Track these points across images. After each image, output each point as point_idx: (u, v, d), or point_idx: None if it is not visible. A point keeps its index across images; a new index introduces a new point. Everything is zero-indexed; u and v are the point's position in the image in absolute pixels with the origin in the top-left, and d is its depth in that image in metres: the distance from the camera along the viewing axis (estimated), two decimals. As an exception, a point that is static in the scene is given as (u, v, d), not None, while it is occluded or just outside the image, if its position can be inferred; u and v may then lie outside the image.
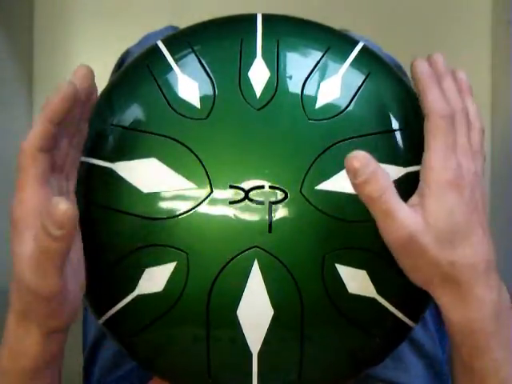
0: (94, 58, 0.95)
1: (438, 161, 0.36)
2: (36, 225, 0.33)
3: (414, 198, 0.37)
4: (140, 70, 0.41)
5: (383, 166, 0.37)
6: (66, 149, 0.37)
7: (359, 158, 0.34)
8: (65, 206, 0.31)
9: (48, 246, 0.32)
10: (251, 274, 0.36)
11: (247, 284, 0.36)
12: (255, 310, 0.36)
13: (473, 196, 0.36)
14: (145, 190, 0.37)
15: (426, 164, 0.36)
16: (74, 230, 0.32)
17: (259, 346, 0.37)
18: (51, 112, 0.34)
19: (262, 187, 0.36)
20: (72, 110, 0.35)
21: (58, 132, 0.35)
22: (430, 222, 0.35)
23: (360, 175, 0.34)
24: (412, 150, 0.39)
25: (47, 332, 0.37)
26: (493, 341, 0.36)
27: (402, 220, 0.35)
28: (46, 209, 0.32)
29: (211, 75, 0.39)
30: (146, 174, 0.37)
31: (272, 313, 0.36)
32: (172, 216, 0.36)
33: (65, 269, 0.34)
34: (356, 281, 0.37)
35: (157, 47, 0.42)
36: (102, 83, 0.44)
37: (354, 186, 0.35)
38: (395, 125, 0.39)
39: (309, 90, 0.39)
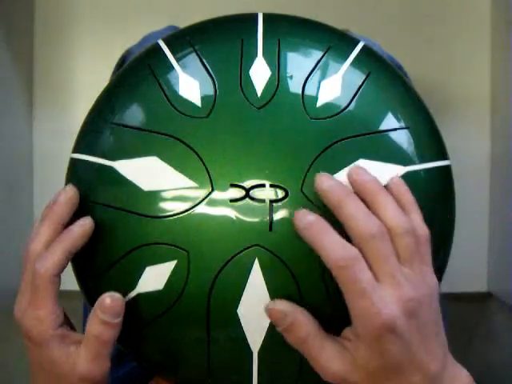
0: (94, 58, 0.95)
1: (361, 309, 0.34)
2: (55, 336, 0.38)
3: (348, 332, 0.36)
4: (141, 69, 0.41)
5: (383, 165, 0.38)
6: None
7: (277, 309, 0.35)
8: (119, 297, 0.37)
9: (107, 335, 0.37)
10: (252, 273, 0.36)
11: (248, 282, 0.36)
12: (256, 309, 0.36)
13: (416, 327, 0.34)
14: (146, 188, 0.37)
15: (350, 312, 0.34)
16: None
17: (259, 345, 0.37)
18: (74, 245, 0.38)
19: (263, 186, 0.36)
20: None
21: None
22: (360, 363, 0.34)
23: (280, 325, 0.35)
24: (412, 149, 0.39)
25: None
26: None
27: (326, 364, 0.35)
28: (98, 305, 0.37)
29: (212, 74, 0.39)
30: (146, 173, 0.37)
31: None
32: (173, 214, 0.36)
33: None
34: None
35: (158, 46, 0.42)
36: (102, 83, 0.44)
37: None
38: (395, 124, 0.39)
39: (309, 89, 0.39)
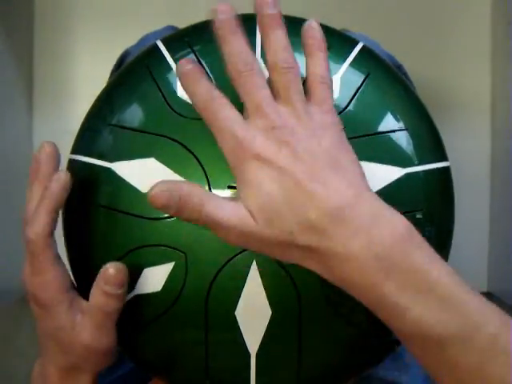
0: (94, 58, 0.95)
1: (225, 144, 0.33)
2: (63, 301, 0.37)
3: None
4: (139, 70, 0.41)
5: (382, 166, 0.38)
6: None
7: (158, 192, 0.32)
8: (122, 268, 0.36)
9: (110, 306, 0.37)
10: (249, 275, 0.36)
11: (245, 284, 0.36)
12: (253, 311, 0.36)
13: (291, 156, 0.32)
14: (143, 189, 0.37)
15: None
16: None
17: (257, 347, 0.37)
18: (55, 202, 0.37)
19: None
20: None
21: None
22: (248, 204, 0.33)
23: (171, 207, 0.32)
24: (412, 150, 0.39)
25: (97, 373, 0.41)
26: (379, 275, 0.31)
27: (226, 220, 0.33)
28: (101, 276, 0.36)
29: (210, 75, 0.39)
30: (144, 174, 0.37)
31: (270, 313, 0.36)
32: (170, 216, 0.36)
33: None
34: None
35: (156, 47, 0.42)
36: (102, 83, 0.44)
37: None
38: (394, 125, 0.39)
39: (308, 90, 0.38)
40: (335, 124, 0.34)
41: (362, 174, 0.34)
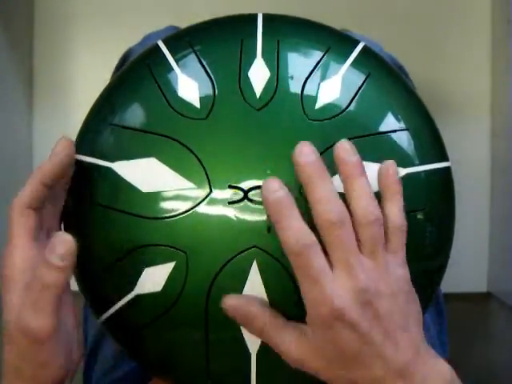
0: (94, 58, 0.95)
1: (312, 296, 0.33)
2: (22, 279, 0.35)
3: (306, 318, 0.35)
4: (140, 70, 0.41)
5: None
6: (51, 212, 0.39)
7: (227, 305, 0.35)
8: (68, 238, 0.34)
9: (48, 279, 0.33)
10: (250, 274, 0.36)
11: (246, 284, 0.36)
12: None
13: (373, 318, 0.33)
14: (144, 189, 0.37)
15: (303, 298, 0.34)
16: (73, 264, 0.34)
17: (258, 346, 0.37)
18: (42, 174, 0.37)
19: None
20: (63, 177, 0.38)
21: (47, 194, 0.38)
22: (316, 349, 0.34)
23: (237, 320, 0.35)
24: (413, 151, 0.39)
25: None
26: None
27: (286, 351, 0.35)
28: (49, 247, 0.34)
29: (211, 75, 0.39)
30: (145, 174, 0.37)
31: None
32: (171, 216, 0.36)
33: (59, 313, 0.35)
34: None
35: (157, 47, 0.42)
36: (102, 83, 0.44)
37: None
38: (395, 125, 0.39)
39: (309, 90, 0.38)
40: (407, 276, 0.36)
41: (421, 324, 0.36)
